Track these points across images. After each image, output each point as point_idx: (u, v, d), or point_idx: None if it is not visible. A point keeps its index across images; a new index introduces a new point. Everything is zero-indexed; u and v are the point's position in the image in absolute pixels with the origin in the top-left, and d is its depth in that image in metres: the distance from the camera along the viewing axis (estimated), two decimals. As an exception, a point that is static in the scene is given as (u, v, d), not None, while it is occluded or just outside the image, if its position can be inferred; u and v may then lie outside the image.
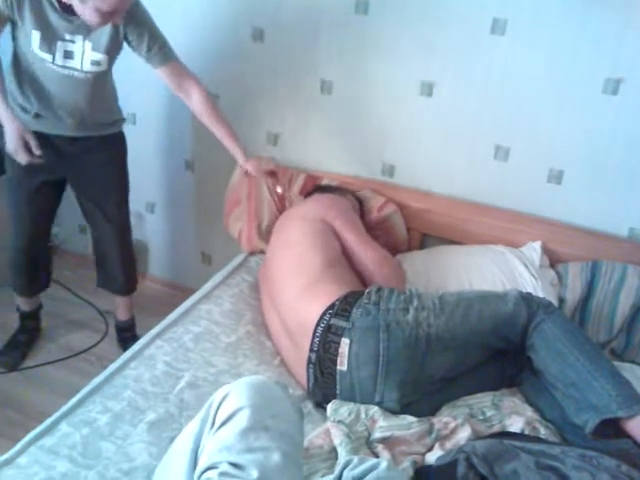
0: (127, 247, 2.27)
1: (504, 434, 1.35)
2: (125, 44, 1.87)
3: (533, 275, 1.87)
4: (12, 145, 1.77)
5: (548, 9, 1.83)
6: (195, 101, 1.94)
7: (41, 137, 1.84)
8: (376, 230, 2.08)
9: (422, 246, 2.20)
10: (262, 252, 2.11)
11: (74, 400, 1.36)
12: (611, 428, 1.36)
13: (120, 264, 2.26)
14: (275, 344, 1.70)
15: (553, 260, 1.99)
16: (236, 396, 1.01)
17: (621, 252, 1.92)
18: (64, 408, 1.34)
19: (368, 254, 1.78)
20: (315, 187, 2.11)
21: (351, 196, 2.06)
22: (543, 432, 1.38)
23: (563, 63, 1.87)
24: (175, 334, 1.65)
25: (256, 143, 2.36)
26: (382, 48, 2.07)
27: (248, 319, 1.77)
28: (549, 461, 1.13)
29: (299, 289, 1.61)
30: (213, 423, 1.00)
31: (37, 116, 1.90)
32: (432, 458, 1.27)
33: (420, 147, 2.15)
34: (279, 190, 2.05)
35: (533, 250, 1.97)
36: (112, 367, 1.49)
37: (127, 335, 2.39)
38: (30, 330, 2.37)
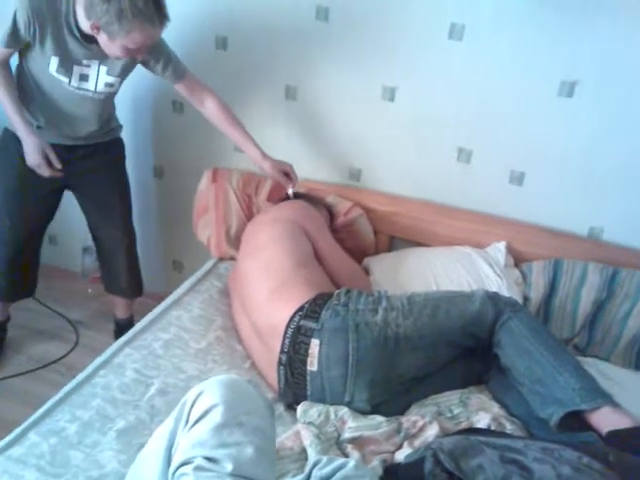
0: (132, 250, 2.29)
1: (471, 430, 1.38)
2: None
3: (498, 275, 1.91)
4: (35, 160, 1.85)
5: (505, 14, 1.88)
6: (210, 109, 2.01)
7: None
8: (343, 234, 2.10)
9: (390, 249, 2.22)
10: (232, 258, 2.12)
11: (42, 410, 1.36)
12: (575, 421, 1.39)
13: (125, 267, 2.28)
14: (246, 347, 1.71)
15: (517, 260, 2.03)
16: (210, 394, 1.03)
17: (582, 250, 1.97)
18: (32, 418, 1.33)
19: (335, 263, 1.83)
20: (286, 195, 2.12)
21: (323, 208, 2.08)
22: (509, 427, 1.42)
23: (520, 67, 1.92)
24: (145, 341, 1.65)
25: (222, 150, 2.37)
26: (344, 53, 2.10)
27: (218, 324, 1.77)
28: (513, 455, 1.16)
29: (269, 292, 1.62)
30: (187, 421, 1.02)
31: (39, 128, 1.93)
32: (401, 456, 1.29)
33: (385, 151, 2.18)
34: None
35: (498, 250, 2.01)
36: (81, 376, 1.48)
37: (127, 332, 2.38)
38: (-3, 341, 2.34)
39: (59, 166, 1.88)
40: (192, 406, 1.03)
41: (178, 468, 0.96)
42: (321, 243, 1.83)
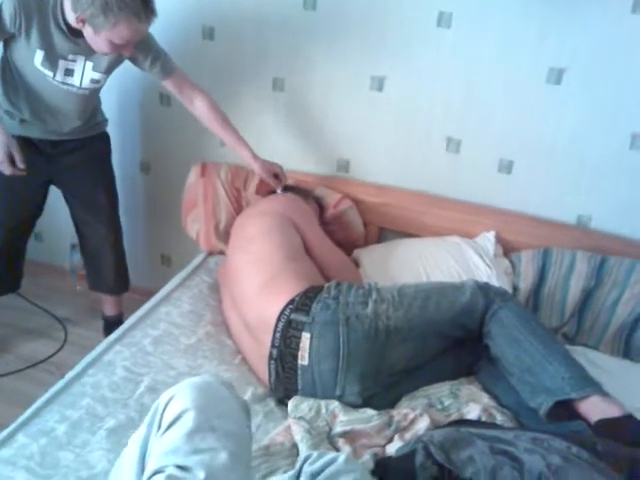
0: (118, 245, 2.27)
1: (461, 422, 1.38)
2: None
3: (488, 265, 1.91)
4: None
5: (493, 1, 1.87)
6: (199, 107, 1.98)
7: (25, 140, 1.86)
8: (333, 226, 2.09)
9: (379, 240, 2.22)
10: (221, 252, 2.11)
11: (30, 410, 1.35)
12: (565, 410, 1.40)
13: (112, 263, 2.26)
14: (236, 342, 1.70)
15: (507, 249, 2.03)
16: (181, 398, 1.01)
17: (570, 238, 1.98)
18: (21, 419, 1.32)
19: (325, 255, 1.82)
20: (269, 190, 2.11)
21: (312, 201, 2.07)
22: (499, 418, 1.42)
23: (509, 54, 1.91)
24: (134, 338, 1.64)
25: (210, 144, 2.35)
26: (331, 43, 2.08)
27: (208, 319, 1.77)
28: (503, 446, 1.16)
29: (259, 285, 1.61)
30: (159, 426, 1.00)
31: (23, 122, 1.90)
32: (392, 449, 1.29)
33: (374, 141, 2.17)
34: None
35: (487, 240, 2.01)
36: (70, 375, 1.47)
37: (117, 328, 2.37)
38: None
39: (22, 166, 1.81)
40: (164, 411, 1.01)
41: (150, 478, 0.93)
42: (310, 235, 1.83)
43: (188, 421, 0.97)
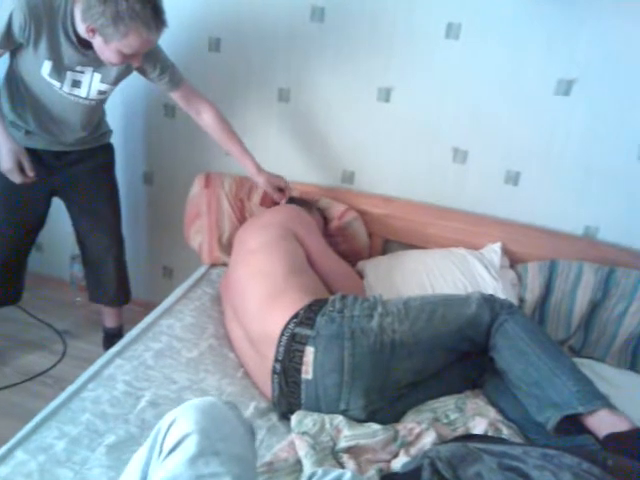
0: (121, 256, 2.26)
1: (468, 437, 1.36)
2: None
3: (494, 276, 1.89)
4: (7, 165, 1.79)
5: (501, 12, 1.87)
6: (205, 119, 1.99)
7: (29, 152, 1.85)
8: (337, 237, 2.08)
9: (384, 251, 2.20)
10: (224, 264, 2.09)
11: (29, 426, 1.32)
12: (572, 425, 1.37)
13: (114, 274, 2.24)
14: (239, 355, 1.68)
15: (513, 260, 2.02)
16: (183, 421, 0.97)
17: (577, 250, 1.96)
18: (19, 435, 1.29)
19: (328, 267, 1.80)
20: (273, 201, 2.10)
21: (316, 212, 2.06)
22: (506, 432, 1.40)
23: (517, 65, 1.91)
24: (135, 352, 1.62)
25: (215, 153, 2.34)
26: (339, 55, 2.08)
27: (210, 332, 1.75)
28: (511, 462, 1.14)
29: (262, 298, 1.60)
30: (161, 451, 0.97)
31: (28, 133, 1.90)
32: (398, 465, 1.27)
33: (379, 152, 2.16)
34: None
35: (493, 252, 1.99)
36: (69, 390, 1.44)
37: (117, 341, 2.34)
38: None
39: (31, 174, 1.82)
40: (165, 435, 0.97)
41: None
42: (313, 248, 1.81)
43: (191, 445, 0.94)
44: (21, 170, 1.80)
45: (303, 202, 2.05)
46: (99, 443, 1.29)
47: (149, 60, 1.84)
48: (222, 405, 1.05)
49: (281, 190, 2.04)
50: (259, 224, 1.86)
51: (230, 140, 2.00)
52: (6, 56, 1.81)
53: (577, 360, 1.64)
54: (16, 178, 1.81)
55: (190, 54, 2.23)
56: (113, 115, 2.20)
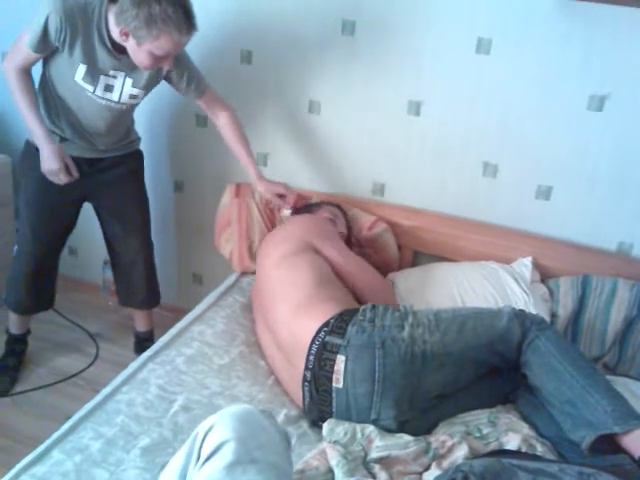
0: (150, 260, 2.28)
1: (501, 452, 1.34)
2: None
3: (525, 291, 1.88)
4: (54, 166, 1.83)
5: (533, 27, 1.86)
6: (221, 119, 2.05)
7: None
8: (367, 249, 2.08)
9: (414, 263, 2.20)
10: (254, 273, 2.10)
11: (66, 426, 1.34)
12: (607, 444, 1.35)
13: (144, 278, 2.27)
14: (269, 363, 1.69)
15: (544, 275, 2.00)
16: (221, 428, 0.98)
17: (610, 266, 1.94)
18: (55, 435, 1.32)
19: (349, 267, 1.79)
20: (295, 209, 2.11)
21: (325, 205, 2.07)
22: (540, 449, 1.38)
23: (548, 81, 1.90)
24: (168, 357, 1.64)
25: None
26: (369, 68, 2.09)
27: (241, 340, 1.76)
28: (547, 479, 1.12)
29: (293, 307, 1.60)
30: (198, 457, 0.97)
31: (63, 140, 1.94)
32: (429, 478, 1.26)
33: (409, 165, 2.16)
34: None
35: (524, 266, 1.97)
36: (104, 392, 1.47)
37: (148, 345, 2.37)
38: (18, 354, 2.33)
39: (77, 174, 1.88)
40: (203, 441, 0.98)
41: None
42: (334, 259, 1.79)
43: (228, 453, 0.94)
44: (67, 172, 1.85)
45: (308, 207, 2.06)
46: (134, 445, 1.31)
47: (177, 68, 1.88)
48: (258, 413, 1.06)
49: (282, 196, 2.05)
50: (279, 239, 1.85)
51: (239, 142, 2.05)
52: (39, 65, 1.84)
53: (612, 378, 1.62)
54: (62, 178, 1.85)
55: (222, 66, 2.26)
56: (143, 123, 2.24)
